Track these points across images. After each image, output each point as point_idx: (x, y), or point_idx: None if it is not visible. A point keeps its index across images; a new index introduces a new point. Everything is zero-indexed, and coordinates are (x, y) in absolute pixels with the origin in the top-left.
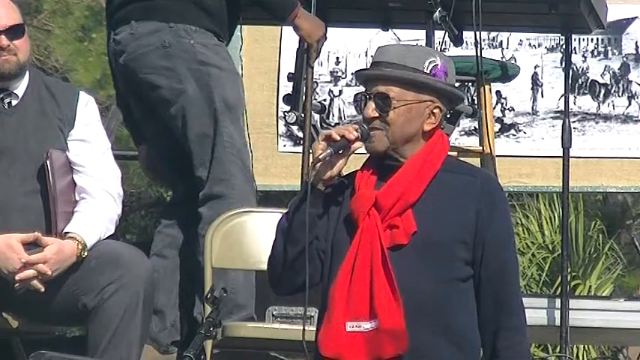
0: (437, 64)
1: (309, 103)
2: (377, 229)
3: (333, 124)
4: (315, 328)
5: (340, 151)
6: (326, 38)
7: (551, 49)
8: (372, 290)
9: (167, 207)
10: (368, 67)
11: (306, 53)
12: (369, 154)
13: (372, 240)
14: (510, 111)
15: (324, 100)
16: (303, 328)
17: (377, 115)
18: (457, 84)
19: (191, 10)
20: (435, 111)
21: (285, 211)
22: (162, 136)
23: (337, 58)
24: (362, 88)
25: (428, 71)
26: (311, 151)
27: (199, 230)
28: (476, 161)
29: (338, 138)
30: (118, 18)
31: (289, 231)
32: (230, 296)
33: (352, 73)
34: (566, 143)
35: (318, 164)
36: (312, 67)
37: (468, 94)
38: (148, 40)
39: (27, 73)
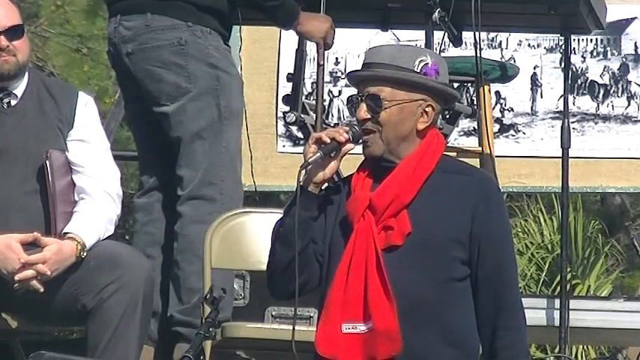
0: (427, 63)
1: (319, 103)
2: (371, 231)
3: (332, 125)
4: (314, 329)
5: (332, 154)
6: (334, 29)
7: (550, 50)
8: (367, 292)
9: (140, 204)
10: (358, 69)
11: (317, 52)
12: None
13: (366, 242)
14: (509, 111)
15: (324, 100)
16: (293, 329)
17: (369, 116)
18: (456, 84)
19: (207, 12)
20: (427, 110)
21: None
22: (143, 121)
23: (337, 58)
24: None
25: (418, 70)
26: (303, 153)
27: (178, 229)
28: (475, 162)
29: (328, 140)
30: (129, 5)
31: (283, 235)
32: None
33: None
34: (565, 144)
35: (309, 167)
36: (322, 66)
37: (467, 95)
38: (164, 35)
39: (26, 73)
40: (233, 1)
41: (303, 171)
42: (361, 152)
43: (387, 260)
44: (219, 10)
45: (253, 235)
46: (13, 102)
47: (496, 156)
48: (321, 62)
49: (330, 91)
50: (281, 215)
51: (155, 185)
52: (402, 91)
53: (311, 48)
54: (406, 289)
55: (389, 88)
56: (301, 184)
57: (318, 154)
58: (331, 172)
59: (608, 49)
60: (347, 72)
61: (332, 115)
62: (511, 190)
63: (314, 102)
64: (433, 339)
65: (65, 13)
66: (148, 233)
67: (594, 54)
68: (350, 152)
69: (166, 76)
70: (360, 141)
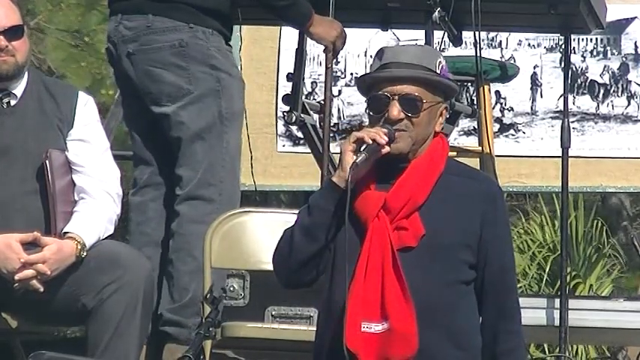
0: (443, 65)
1: (327, 106)
2: (387, 232)
3: (331, 125)
4: (314, 328)
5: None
6: (345, 36)
7: (550, 49)
8: (384, 292)
9: (134, 203)
10: (372, 68)
11: (325, 56)
12: None
13: (382, 242)
14: (509, 111)
15: (324, 99)
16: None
17: (403, 116)
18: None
19: (209, 14)
20: (443, 111)
21: (285, 211)
22: (141, 120)
23: (336, 58)
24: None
25: (439, 71)
26: (339, 150)
27: (175, 228)
28: (475, 161)
29: (370, 142)
30: (131, 5)
31: (311, 230)
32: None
33: (352, 73)
34: (565, 143)
35: (354, 169)
36: (329, 68)
37: (467, 94)
38: (165, 37)
39: (26, 73)
40: (235, 2)
41: (350, 171)
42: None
43: (399, 261)
44: (221, 11)
45: (253, 235)
46: (13, 102)
47: (496, 155)
48: (329, 65)
49: None
50: (286, 213)
51: (149, 183)
52: (429, 93)
53: (311, 48)
54: (417, 290)
55: (420, 88)
56: (333, 179)
57: (363, 156)
58: (363, 173)
59: (608, 48)
60: (371, 72)
61: (332, 115)
62: (511, 189)
63: (314, 102)
64: (442, 341)
65: (62, 9)
66: (144, 233)
67: (594, 53)
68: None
69: (167, 77)
70: None
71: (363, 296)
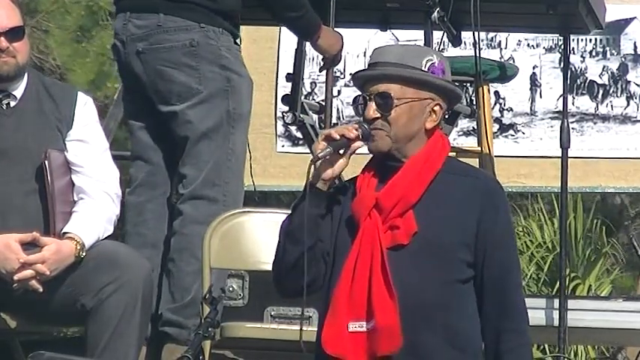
0: (434, 63)
1: (327, 112)
2: (377, 230)
3: (331, 125)
4: (314, 329)
5: (341, 151)
6: (342, 47)
7: (549, 50)
8: (371, 291)
9: (131, 203)
10: (365, 68)
11: (325, 64)
12: (371, 156)
13: (372, 241)
14: (509, 111)
15: (323, 100)
16: (301, 329)
17: (378, 115)
18: (455, 84)
19: (219, 14)
20: (435, 109)
21: (285, 211)
22: (145, 118)
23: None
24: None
25: (426, 69)
26: (312, 150)
27: (178, 227)
28: (474, 162)
29: (337, 137)
30: (140, 3)
31: (292, 232)
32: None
33: (350, 74)
34: (564, 144)
35: (318, 163)
36: (330, 73)
37: (467, 95)
38: (177, 37)
39: (25, 74)
40: (246, 3)
41: (312, 167)
42: (368, 152)
43: (392, 260)
44: (232, 12)
45: (252, 235)
46: (13, 103)
47: (495, 156)
48: (324, 68)
49: None
50: (285, 214)
51: (145, 182)
52: (410, 90)
53: (310, 48)
54: (411, 288)
55: (398, 86)
56: (310, 180)
57: (328, 150)
58: (340, 170)
59: (608, 49)
60: (353, 72)
61: (331, 115)
62: (510, 190)
63: (313, 102)
64: (437, 340)
65: (64, 5)
66: (140, 234)
67: (593, 54)
68: (357, 152)
69: (177, 77)
70: None
71: (349, 296)
